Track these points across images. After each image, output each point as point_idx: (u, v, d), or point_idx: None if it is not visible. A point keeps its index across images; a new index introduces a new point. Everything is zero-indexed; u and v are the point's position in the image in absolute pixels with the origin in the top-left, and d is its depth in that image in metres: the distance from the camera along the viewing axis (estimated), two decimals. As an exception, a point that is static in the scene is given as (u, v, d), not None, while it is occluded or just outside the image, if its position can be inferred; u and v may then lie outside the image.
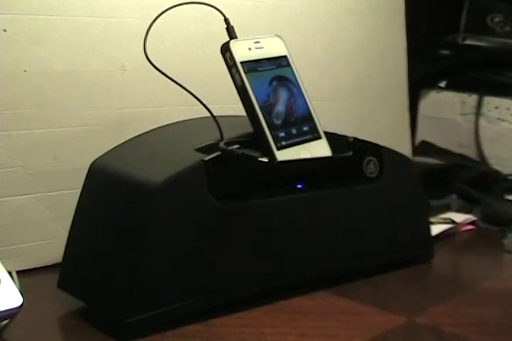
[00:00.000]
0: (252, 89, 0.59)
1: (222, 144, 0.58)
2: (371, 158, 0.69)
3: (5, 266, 0.57)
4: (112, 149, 0.65)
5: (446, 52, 1.25)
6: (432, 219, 0.86)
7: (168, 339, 0.56)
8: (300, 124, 0.62)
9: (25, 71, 0.69)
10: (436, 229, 0.83)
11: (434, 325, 0.59)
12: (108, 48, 0.75)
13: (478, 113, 1.17)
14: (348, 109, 1.01)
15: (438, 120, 1.23)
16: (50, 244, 0.72)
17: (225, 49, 0.59)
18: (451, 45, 1.24)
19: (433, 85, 1.24)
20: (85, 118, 0.74)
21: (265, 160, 0.58)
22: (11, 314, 0.53)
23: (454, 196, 1.01)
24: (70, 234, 0.63)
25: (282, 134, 0.60)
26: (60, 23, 0.71)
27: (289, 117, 0.61)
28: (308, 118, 0.63)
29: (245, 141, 0.59)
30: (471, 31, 1.24)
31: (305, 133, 0.62)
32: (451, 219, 0.90)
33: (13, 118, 0.69)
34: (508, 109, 1.15)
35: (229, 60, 0.59)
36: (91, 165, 0.63)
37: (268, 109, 0.59)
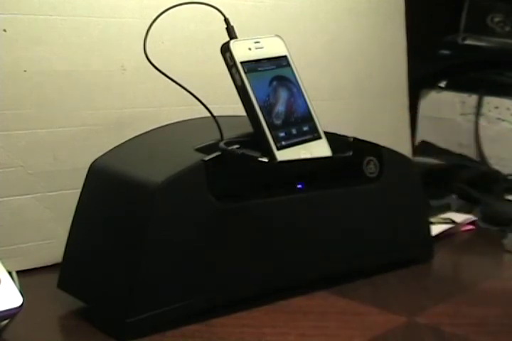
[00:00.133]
0: (252, 89, 0.59)
1: (222, 144, 0.58)
2: (371, 158, 0.69)
3: (5, 266, 0.57)
4: (112, 149, 0.65)
5: (446, 52, 1.25)
6: (432, 219, 0.86)
7: (168, 339, 0.56)
8: (300, 124, 0.62)
9: (25, 71, 0.69)
10: (436, 229, 0.83)
11: (434, 325, 0.59)
12: (108, 48, 0.75)
13: (478, 113, 1.17)
14: (348, 109, 1.01)
15: (438, 120, 1.23)
16: (50, 244, 0.72)
17: (225, 49, 0.59)
18: (451, 45, 1.24)
19: (433, 85, 1.24)
20: (85, 118, 0.74)
21: (265, 160, 0.58)
22: (11, 314, 0.53)
23: (454, 196, 1.01)
24: (70, 234, 0.63)
25: (282, 134, 0.60)
26: (60, 23, 0.71)
27: (289, 117, 0.61)
28: (308, 118, 0.63)
29: (245, 141, 0.59)
30: (471, 31, 1.24)
31: (305, 133, 0.62)
32: (451, 219, 0.90)
33: (13, 118, 0.69)
34: (508, 109, 1.15)
35: (229, 60, 0.59)
36: (91, 165, 0.63)
37: (268, 109, 0.59)
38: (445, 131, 1.22)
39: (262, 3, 0.89)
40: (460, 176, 1.05)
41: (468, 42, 1.23)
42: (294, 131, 0.61)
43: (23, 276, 0.63)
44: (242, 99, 0.59)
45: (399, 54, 1.09)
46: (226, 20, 0.62)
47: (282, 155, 0.59)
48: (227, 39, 0.60)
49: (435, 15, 1.21)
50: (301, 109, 0.63)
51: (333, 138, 0.64)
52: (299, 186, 0.64)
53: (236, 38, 0.61)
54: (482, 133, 1.17)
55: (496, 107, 1.16)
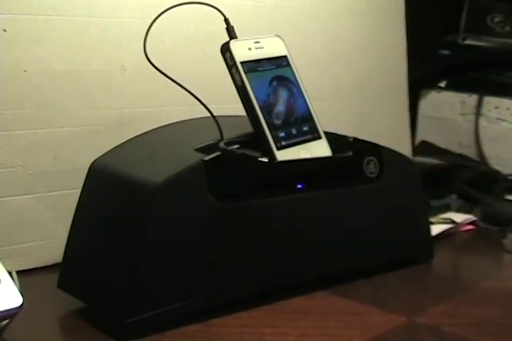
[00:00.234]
0: (252, 89, 0.59)
1: (222, 144, 0.58)
2: (371, 158, 0.69)
3: (5, 266, 0.57)
4: (112, 149, 0.65)
5: (446, 52, 1.25)
6: (432, 219, 0.86)
7: (168, 339, 0.56)
8: (300, 124, 0.62)
9: (25, 71, 0.69)
10: (436, 229, 0.83)
11: (434, 325, 0.59)
12: (108, 48, 0.75)
13: (478, 113, 1.17)
14: (348, 109, 1.01)
15: (438, 120, 1.23)
16: (50, 244, 0.72)
17: (225, 49, 0.59)
18: (451, 45, 1.24)
19: (433, 85, 1.24)
20: (85, 118, 0.74)
21: (265, 160, 0.58)
22: (11, 314, 0.53)
23: (454, 196, 1.01)
24: (70, 234, 0.63)
25: (282, 134, 0.60)
26: (60, 23, 0.71)
27: (289, 117, 0.61)
28: (308, 118, 0.63)
29: (245, 141, 0.59)
30: (471, 31, 1.24)
31: (305, 133, 0.62)
32: (451, 219, 0.90)
33: (13, 118, 0.69)
34: (508, 109, 1.15)
35: (229, 60, 0.59)
36: (91, 165, 0.63)
37: (268, 109, 0.59)
38: (445, 131, 1.22)
39: (262, 3, 0.89)
40: (460, 176, 1.05)
41: (468, 42, 1.23)
42: (294, 131, 0.61)
43: (23, 276, 0.63)
44: (242, 99, 0.59)
45: (399, 54, 1.09)
46: (226, 20, 0.62)
47: (282, 155, 0.59)
48: (227, 39, 0.60)
49: (435, 15, 1.21)
50: (301, 109, 0.63)
51: (333, 138, 0.64)
52: (299, 186, 0.64)
53: (236, 38, 0.61)
54: (482, 133, 1.17)
55: (496, 107, 1.16)
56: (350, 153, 0.66)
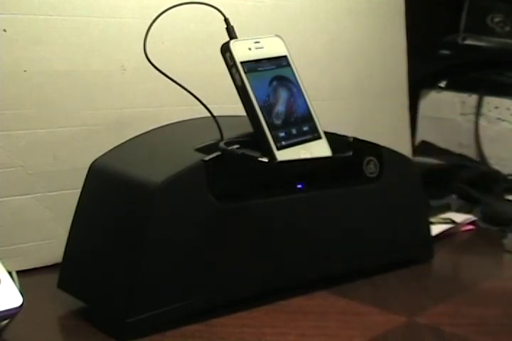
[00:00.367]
0: (252, 89, 0.59)
1: (222, 144, 0.58)
2: (371, 158, 0.69)
3: (5, 266, 0.57)
4: (112, 149, 0.65)
5: (446, 52, 1.25)
6: (432, 219, 0.86)
7: (168, 339, 0.56)
8: (300, 124, 0.62)
9: (25, 71, 0.69)
10: (436, 229, 0.83)
11: (434, 325, 0.59)
12: (108, 48, 0.75)
13: (478, 113, 1.17)
14: (348, 109, 1.01)
15: (438, 120, 1.23)
16: (50, 244, 0.72)
17: (225, 49, 0.59)
18: (451, 45, 1.24)
19: (433, 85, 1.24)
20: (85, 118, 0.74)
21: (265, 160, 0.58)
22: (11, 314, 0.53)
23: (454, 196, 1.01)
24: (70, 234, 0.63)
25: (282, 134, 0.60)
26: (60, 23, 0.71)
27: (289, 117, 0.61)
28: (308, 118, 0.63)
29: (245, 141, 0.59)
30: (471, 31, 1.24)
31: (305, 133, 0.62)
32: (451, 219, 0.90)
33: (13, 118, 0.69)
34: (508, 109, 1.15)
35: (229, 60, 0.59)
36: (91, 165, 0.63)
37: (268, 109, 0.59)
38: (445, 131, 1.22)
39: (262, 3, 0.89)
40: (460, 176, 1.05)
41: (468, 42, 1.23)
42: (294, 131, 0.61)
43: (23, 276, 0.63)
44: (242, 99, 0.59)
45: (399, 54, 1.09)
46: (226, 20, 0.62)
47: (282, 155, 0.59)
48: (227, 39, 0.60)
49: (435, 15, 1.21)
50: (301, 109, 0.63)
51: (333, 138, 0.64)
52: (299, 186, 0.64)
53: (236, 38, 0.61)
54: (482, 133, 1.17)
55: (496, 107, 1.16)
56: (350, 153, 0.66)
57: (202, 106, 0.60)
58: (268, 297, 0.63)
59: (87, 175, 0.63)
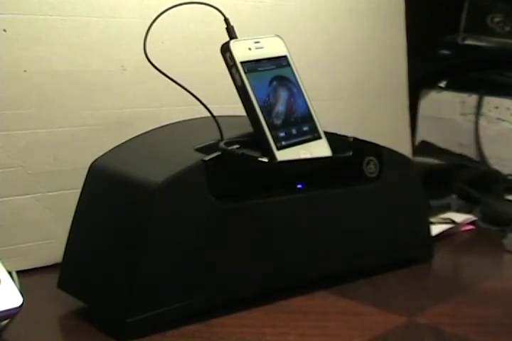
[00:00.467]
0: (252, 89, 0.59)
1: (222, 144, 0.58)
2: (371, 158, 0.69)
3: (5, 266, 0.57)
4: (112, 149, 0.65)
5: (446, 52, 1.25)
6: (432, 219, 0.86)
7: (168, 339, 0.56)
8: (300, 124, 0.62)
9: (25, 71, 0.69)
10: (436, 229, 0.83)
11: (434, 325, 0.59)
12: (108, 48, 0.75)
13: (478, 113, 1.17)
14: (348, 109, 1.01)
15: (438, 120, 1.23)
16: (50, 244, 0.72)
17: (225, 49, 0.59)
18: (451, 45, 1.24)
19: (433, 85, 1.24)
20: (85, 118, 0.74)
21: (265, 160, 0.58)
22: (11, 314, 0.53)
23: (454, 196, 1.01)
24: (70, 234, 0.63)
25: (282, 134, 0.60)
26: (60, 23, 0.71)
27: (289, 117, 0.61)
28: (308, 118, 0.63)
29: (245, 141, 0.59)
30: (471, 31, 1.24)
31: (305, 133, 0.62)
32: (451, 219, 0.90)
33: (13, 118, 0.69)
34: (508, 109, 1.15)
35: (229, 60, 0.59)
36: (91, 165, 0.63)
37: (268, 109, 0.59)
38: (445, 131, 1.22)
39: (262, 3, 0.89)
40: (460, 176, 1.05)
41: (468, 42, 1.23)
42: (294, 131, 0.61)
43: (23, 276, 0.63)
44: (242, 99, 0.59)
45: (399, 54, 1.09)
46: (226, 20, 0.62)
47: (282, 155, 0.59)
48: (227, 39, 0.60)
49: (435, 15, 1.21)
50: (301, 109, 0.63)
51: (333, 138, 0.64)
52: (299, 186, 0.64)
53: (236, 38, 0.61)
54: (482, 133, 1.17)
55: (496, 107, 1.16)
56: (350, 153, 0.66)
57: (202, 106, 0.60)
58: (268, 297, 0.63)
59: (87, 175, 0.63)
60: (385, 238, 0.71)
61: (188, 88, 0.60)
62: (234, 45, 0.59)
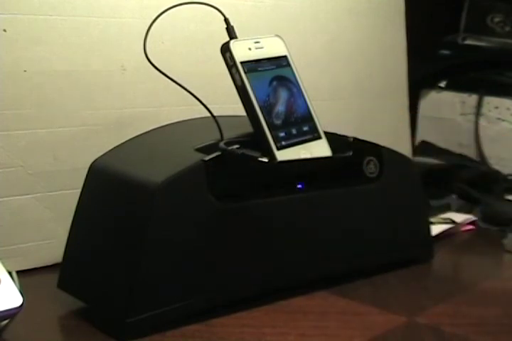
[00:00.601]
0: (252, 89, 0.59)
1: (222, 144, 0.58)
2: (371, 158, 0.69)
3: (5, 266, 0.57)
4: (112, 149, 0.65)
5: (446, 52, 1.25)
6: (432, 219, 0.86)
7: (168, 339, 0.56)
8: (300, 124, 0.62)
9: (25, 71, 0.69)
10: (436, 229, 0.83)
11: (434, 325, 0.59)
12: (108, 48, 0.75)
13: (478, 113, 1.17)
14: (348, 109, 1.01)
15: (438, 120, 1.23)
16: (50, 244, 0.72)
17: (225, 49, 0.59)
18: (451, 45, 1.24)
19: (433, 85, 1.24)
20: (85, 118, 0.74)
21: (265, 160, 0.58)
22: (11, 314, 0.53)
23: (454, 196, 1.01)
24: (70, 234, 0.63)
25: (282, 134, 0.60)
26: (60, 23, 0.71)
27: (289, 117, 0.61)
28: (308, 118, 0.63)
29: (245, 141, 0.59)
30: (471, 31, 1.24)
31: (305, 133, 0.62)
32: (451, 219, 0.90)
33: (13, 118, 0.69)
34: (508, 109, 1.15)
35: (229, 60, 0.59)
36: (91, 165, 0.63)
37: (268, 109, 0.59)
38: (445, 131, 1.22)
39: (262, 3, 0.89)
40: (460, 176, 1.05)
41: (468, 42, 1.23)
42: (294, 131, 0.61)
43: (23, 276, 0.63)
44: (242, 99, 0.59)
45: (399, 54, 1.09)
46: (226, 20, 0.62)
47: (282, 155, 0.59)
48: (227, 39, 0.60)
49: (435, 15, 1.21)
50: (301, 109, 0.63)
51: (333, 138, 0.64)
52: (299, 186, 0.64)
53: (236, 38, 0.61)
54: (482, 133, 1.17)
55: (496, 107, 1.16)
56: (350, 153, 0.66)
57: (202, 106, 0.60)
58: (268, 297, 0.63)
59: (87, 175, 0.63)
60: (385, 238, 0.71)
61: (188, 88, 0.60)
62: (234, 45, 0.59)
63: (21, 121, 0.70)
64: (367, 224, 0.69)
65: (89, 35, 0.73)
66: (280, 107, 0.61)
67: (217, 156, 0.57)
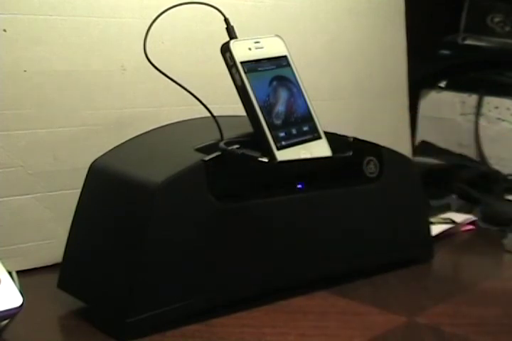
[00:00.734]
0: (252, 89, 0.59)
1: (222, 144, 0.58)
2: (371, 158, 0.69)
3: (5, 266, 0.57)
4: (112, 149, 0.65)
5: (446, 52, 1.25)
6: (432, 219, 0.86)
7: (168, 339, 0.56)
8: (300, 124, 0.62)
9: (25, 71, 0.69)
10: (436, 229, 0.83)
11: (434, 325, 0.59)
12: (108, 48, 0.75)
13: (478, 113, 1.17)
14: (348, 109, 1.01)
15: (438, 120, 1.23)
16: (50, 244, 0.72)
17: (225, 49, 0.59)
18: (451, 45, 1.24)
19: (433, 85, 1.24)
20: (85, 118, 0.74)
21: (265, 160, 0.58)
22: (11, 314, 0.53)
23: (454, 196, 1.01)
24: (70, 234, 0.63)
25: (282, 134, 0.60)
26: (60, 23, 0.71)
27: (289, 117, 0.61)
28: (308, 118, 0.63)
29: (245, 141, 0.59)
30: (471, 31, 1.24)
31: (305, 133, 0.62)
32: (451, 219, 0.90)
33: (13, 118, 0.69)
34: (508, 109, 1.15)
35: (229, 60, 0.59)
36: (91, 165, 0.63)
37: (268, 109, 0.59)
38: (445, 131, 1.22)
39: (262, 3, 0.89)
40: (460, 176, 1.05)
41: (468, 42, 1.23)
42: (294, 131, 0.61)
43: (23, 276, 0.63)
44: (242, 99, 0.59)
45: (399, 54, 1.09)
46: (226, 20, 0.62)
47: (282, 155, 0.59)
48: (227, 39, 0.60)
49: (435, 15, 1.21)
50: (301, 109, 0.63)
51: (333, 138, 0.64)
52: (299, 186, 0.64)
53: (236, 38, 0.61)
54: (482, 133, 1.17)
55: (496, 107, 1.16)
56: (350, 153, 0.66)
57: (202, 106, 0.60)
58: (268, 297, 0.63)
59: (87, 175, 0.63)
60: (385, 238, 0.71)
61: (188, 88, 0.60)
62: (234, 45, 0.59)
63: (21, 121, 0.70)
64: (367, 224, 0.69)
65: (89, 35, 0.73)
66: (280, 107, 0.61)
67: (217, 156, 0.57)
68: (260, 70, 0.60)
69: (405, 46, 1.10)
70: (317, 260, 0.66)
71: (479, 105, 1.17)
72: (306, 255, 0.65)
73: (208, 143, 0.60)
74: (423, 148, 1.21)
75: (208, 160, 0.57)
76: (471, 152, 1.18)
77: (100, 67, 0.74)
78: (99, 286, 0.59)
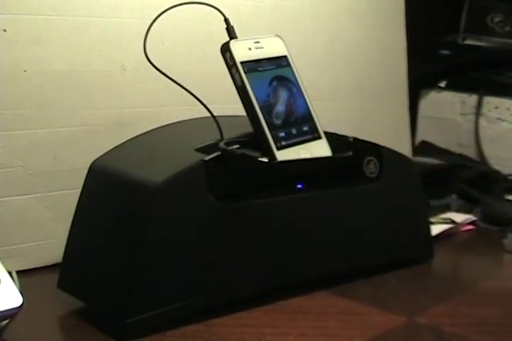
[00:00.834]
0: (252, 89, 0.59)
1: (222, 144, 0.58)
2: (371, 158, 0.69)
3: (5, 266, 0.57)
4: (112, 149, 0.65)
5: (446, 52, 1.25)
6: (432, 219, 0.86)
7: (168, 339, 0.56)
8: (300, 124, 0.62)
9: (25, 71, 0.69)
10: (436, 229, 0.83)
11: (434, 325, 0.59)
12: (108, 48, 0.75)
13: (478, 113, 1.17)
14: (348, 109, 1.01)
15: (438, 120, 1.23)
16: (50, 244, 0.72)
17: (225, 49, 0.59)
18: (451, 45, 1.24)
19: (433, 85, 1.24)
20: (85, 118, 0.74)
21: (265, 160, 0.58)
22: (11, 314, 0.53)
23: (454, 196, 1.01)
24: (70, 234, 0.63)
25: (282, 134, 0.60)
26: (60, 23, 0.71)
27: (289, 117, 0.61)
28: (308, 118, 0.63)
29: (245, 141, 0.59)
30: (471, 31, 1.24)
31: (305, 133, 0.62)
32: (451, 219, 0.90)
33: (13, 118, 0.69)
34: (508, 109, 1.15)
35: (229, 60, 0.59)
36: (91, 165, 0.63)
37: (268, 109, 0.59)
38: (445, 131, 1.22)
39: (262, 3, 0.89)
40: (460, 176, 1.05)
41: (468, 42, 1.23)
42: (294, 131, 0.61)
43: (23, 276, 0.63)
44: (242, 99, 0.59)
45: (399, 54, 1.09)
46: (226, 20, 0.62)
47: (282, 155, 0.59)
48: (227, 39, 0.60)
49: (435, 15, 1.21)
50: (301, 109, 0.63)
51: (333, 138, 0.64)
52: (299, 186, 0.64)
53: (236, 38, 0.61)
54: (482, 133, 1.17)
55: (496, 107, 1.16)
56: (350, 153, 0.66)
57: (202, 106, 0.60)
58: (268, 297, 0.63)
59: (87, 175, 0.63)
60: (385, 238, 0.71)
61: (188, 88, 0.60)
62: (234, 45, 0.59)
63: (21, 121, 0.70)
64: (367, 224, 0.69)
65: (89, 35, 0.73)
66: (280, 107, 0.61)
67: (217, 156, 0.57)
68: (260, 70, 0.60)
69: (405, 46, 1.10)
70: (317, 260, 0.66)
71: (479, 105, 1.17)
72: (306, 255, 0.65)
73: (207, 143, 0.60)
74: (423, 148, 1.21)
75: (208, 160, 0.57)
76: (471, 152, 1.18)
77: (100, 67, 0.74)
78: (99, 286, 0.59)
